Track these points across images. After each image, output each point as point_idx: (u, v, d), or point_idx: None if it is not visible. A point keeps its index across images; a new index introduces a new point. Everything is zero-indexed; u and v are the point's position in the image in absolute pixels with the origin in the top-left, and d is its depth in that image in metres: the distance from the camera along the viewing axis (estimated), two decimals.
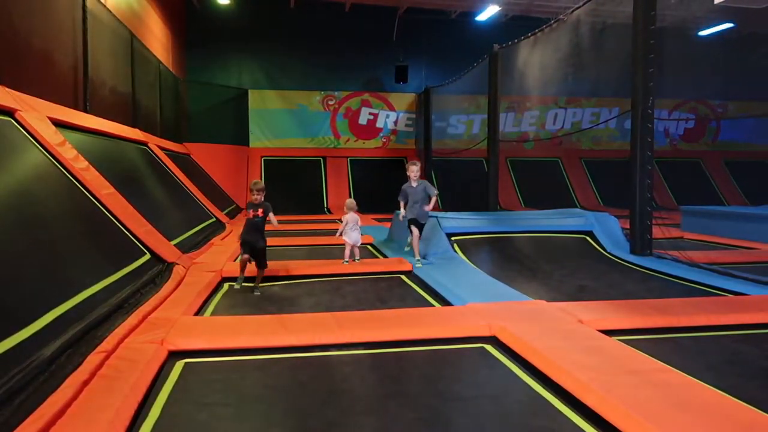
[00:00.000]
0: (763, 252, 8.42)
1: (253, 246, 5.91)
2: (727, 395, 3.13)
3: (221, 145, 16.71)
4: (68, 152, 6.02)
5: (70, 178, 5.76)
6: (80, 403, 2.90)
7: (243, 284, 6.05)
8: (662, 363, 3.59)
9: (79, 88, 7.99)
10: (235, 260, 6.98)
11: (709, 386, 3.24)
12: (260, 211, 5.95)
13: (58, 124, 6.46)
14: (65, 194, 5.47)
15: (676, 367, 3.53)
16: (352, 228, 7.30)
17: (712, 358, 3.99)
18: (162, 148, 11.51)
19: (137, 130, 10.28)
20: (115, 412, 2.78)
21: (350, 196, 17.38)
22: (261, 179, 18.51)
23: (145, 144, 10.35)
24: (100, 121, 8.21)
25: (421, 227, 7.44)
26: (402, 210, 7.63)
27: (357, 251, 7.38)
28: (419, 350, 4.12)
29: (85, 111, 8.00)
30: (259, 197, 5.95)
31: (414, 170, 7.48)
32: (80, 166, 6.05)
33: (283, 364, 3.85)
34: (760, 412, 2.89)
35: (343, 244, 7.40)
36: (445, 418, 3.05)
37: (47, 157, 5.60)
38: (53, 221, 4.88)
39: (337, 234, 7.38)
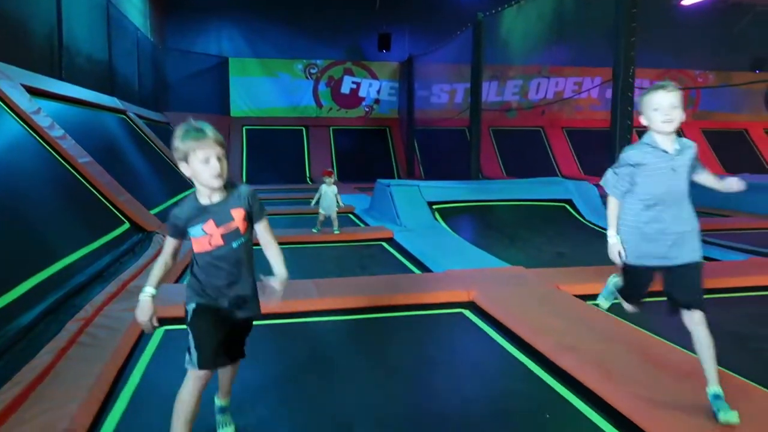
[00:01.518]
0: (735, 219, 8.60)
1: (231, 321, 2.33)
2: (694, 355, 3.23)
3: (202, 115, 16.37)
4: (44, 120, 5.92)
5: (46, 146, 5.67)
6: (60, 370, 2.92)
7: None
8: (634, 326, 3.69)
9: (54, 55, 7.80)
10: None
11: (678, 347, 3.34)
12: (234, 222, 2.24)
13: (33, 92, 6.32)
14: (41, 163, 5.40)
15: (647, 330, 3.63)
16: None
17: (681, 321, 4.10)
18: (141, 117, 11.33)
19: (115, 99, 10.09)
20: (95, 378, 2.80)
21: (332, 166, 17.33)
22: (243, 149, 18.44)
23: (123, 113, 10.18)
24: (77, 89, 8.04)
25: None
26: None
27: (335, 221, 7.15)
28: (399, 316, 4.18)
29: (61, 79, 7.83)
30: (216, 176, 2.17)
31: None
32: (56, 134, 5.96)
33: (263, 331, 3.88)
34: (726, 371, 3.00)
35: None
36: (424, 382, 3.12)
37: (22, 125, 5.50)
38: (29, 190, 4.82)
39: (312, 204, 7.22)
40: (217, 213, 2.20)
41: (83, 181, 5.95)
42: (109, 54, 10.43)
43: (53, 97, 6.98)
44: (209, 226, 2.19)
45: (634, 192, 2.67)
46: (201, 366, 2.14)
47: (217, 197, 2.21)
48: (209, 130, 2.13)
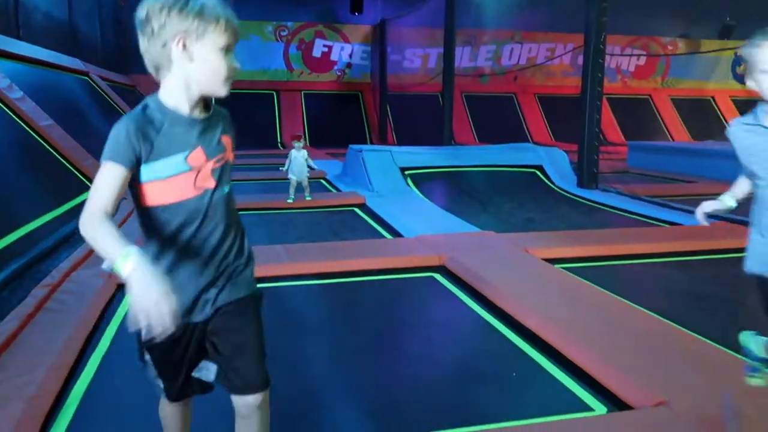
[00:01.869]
0: (700, 185, 8.81)
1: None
2: (656, 316, 3.35)
3: None
4: (1, 81, 5.69)
5: (4, 108, 5.47)
6: (26, 336, 2.88)
7: None
8: (600, 288, 3.79)
9: (10, 12, 7.45)
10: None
11: (640, 308, 3.45)
12: (226, 154, 1.50)
13: None
14: (0, 125, 5.21)
15: (612, 293, 3.73)
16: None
17: (645, 282, 4.24)
18: (104, 79, 10.97)
19: (76, 60, 9.73)
20: (63, 344, 2.78)
21: (304, 131, 17.11)
22: None
23: (85, 75, 9.84)
24: (35, 48, 7.72)
25: None
26: None
27: (307, 188, 6.99)
28: (370, 280, 4.22)
29: (18, 38, 7.50)
30: (229, 79, 1.45)
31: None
32: (15, 96, 5.74)
33: None
34: (682, 329, 3.12)
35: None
36: (395, 344, 3.17)
37: None
38: None
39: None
40: (206, 137, 1.43)
41: (45, 145, 5.77)
42: (69, 12, 10.01)
43: (10, 57, 6.70)
44: (196, 156, 1.40)
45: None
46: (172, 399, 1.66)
47: (198, 112, 1.43)
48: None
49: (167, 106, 1.40)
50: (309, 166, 6.95)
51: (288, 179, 7.00)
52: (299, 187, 7.02)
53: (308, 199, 7.01)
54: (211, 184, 1.43)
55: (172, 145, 1.38)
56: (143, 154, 1.35)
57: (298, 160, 6.92)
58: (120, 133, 1.34)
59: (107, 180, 1.33)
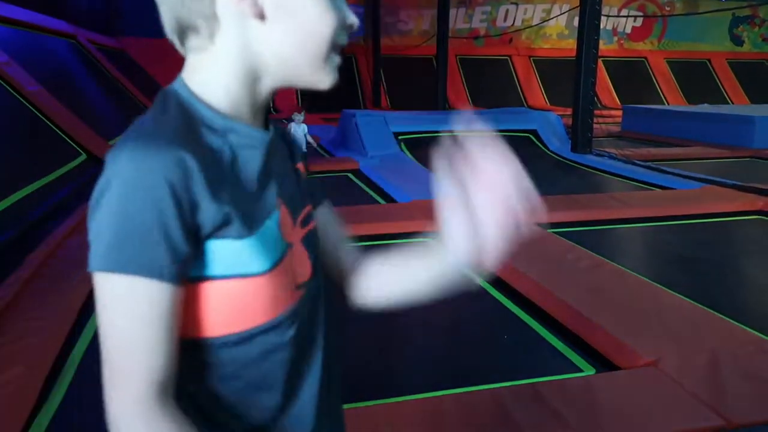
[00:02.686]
0: (694, 149, 8.82)
1: None
2: (645, 278, 3.40)
3: (159, 40, 15.48)
4: None
5: None
6: (23, 301, 2.89)
7: None
8: (590, 252, 3.83)
9: None
10: None
11: (630, 271, 3.50)
12: (307, 209, 0.77)
13: None
14: None
15: (604, 257, 3.78)
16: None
17: (636, 246, 4.29)
18: (93, 43, 10.74)
19: (63, 22, 9.51)
20: (60, 309, 2.80)
21: (296, 96, 16.91)
22: None
23: (73, 37, 9.63)
24: (18, 9, 7.53)
25: None
26: None
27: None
28: (364, 245, 4.23)
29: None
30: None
31: None
32: (1, 60, 5.63)
33: None
34: (671, 292, 3.17)
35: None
36: (387, 308, 3.21)
37: None
38: None
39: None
40: (284, 182, 0.72)
41: (34, 110, 5.69)
42: None
43: None
44: (284, 219, 0.69)
45: None
46: None
47: (260, 124, 0.72)
48: None
49: (222, 110, 0.66)
50: (308, 143, 6.68)
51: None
52: None
53: None
54: (307, 272, 0.76)
55: (255, 197, 0.66)
56: (206, 224, 0.60)
57: (298, 135, 6.38)
58: (144, 202, 0.57)
59: (147, 316, 0.60)
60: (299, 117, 6.50)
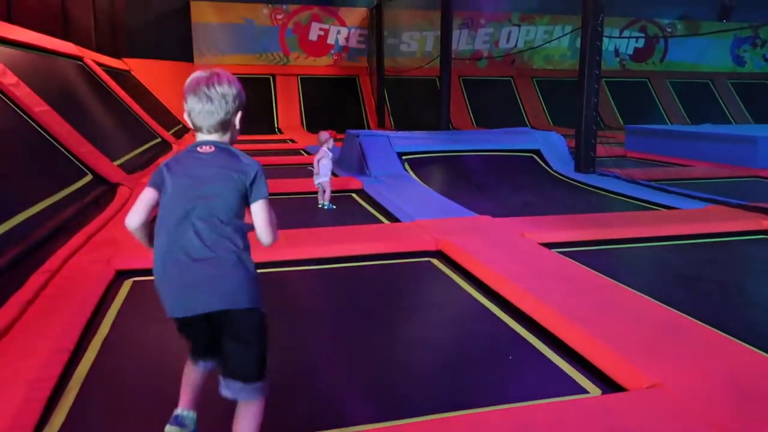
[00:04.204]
0: (697, 169, 8.83)
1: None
2: (651, 299, 3.38)
3: (164, 62, 15.88)
4: None
5: None
6: (25, 322, 2.89)
7: None
8: (595, 272, 3.82)
9: None
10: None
11: (635, 291, 3.48)
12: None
13: None
14: None
15: (608, 276, 3.76)
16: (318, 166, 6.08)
17: (641, 266, 4.27)
18: (99, 64, 10.88)
19: (70, 44, 9.64)
20: (63, 329, 2.79)
21: (301, 116, 17.02)
22: None
23: (80, 59, 9.76)
24: (28, 32, 7.65)
25: None
26: None
27: (328, 195, 6.12)
28: (368, 265, 4.23)
29: (10, 22, 7.43)
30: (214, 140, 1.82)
31: None
32: (9, 81, 5.69)
33: None
34: (677, 312, 3.15)
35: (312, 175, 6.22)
36: (392, 328, 3.20)
37: None
38: None
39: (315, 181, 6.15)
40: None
41: (41, 131, 5.74)
42: None
43: (3, 41, 6.64)
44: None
45: None
46: None
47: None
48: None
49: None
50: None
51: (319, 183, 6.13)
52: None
53: (327, 208, 6.10)
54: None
55: None
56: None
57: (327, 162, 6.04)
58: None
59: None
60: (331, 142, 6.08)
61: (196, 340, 1.86)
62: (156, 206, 1.75)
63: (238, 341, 1.73)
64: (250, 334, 1.74)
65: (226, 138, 1.80)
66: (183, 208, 1.68)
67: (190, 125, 1.78)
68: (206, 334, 1.80)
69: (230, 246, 1.69)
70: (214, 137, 1.78)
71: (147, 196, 1.75)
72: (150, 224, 1.79)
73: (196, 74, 1.75)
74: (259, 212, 1.75)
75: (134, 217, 1.75)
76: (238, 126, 1.81)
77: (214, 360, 1.87)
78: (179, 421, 1.91)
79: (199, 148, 1.75)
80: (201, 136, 1.79)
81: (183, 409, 1.94)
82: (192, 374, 1.95)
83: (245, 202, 1.75)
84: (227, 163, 1.73)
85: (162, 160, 6.44)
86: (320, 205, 6.14)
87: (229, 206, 1.70)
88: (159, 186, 1.74)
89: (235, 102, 1.76)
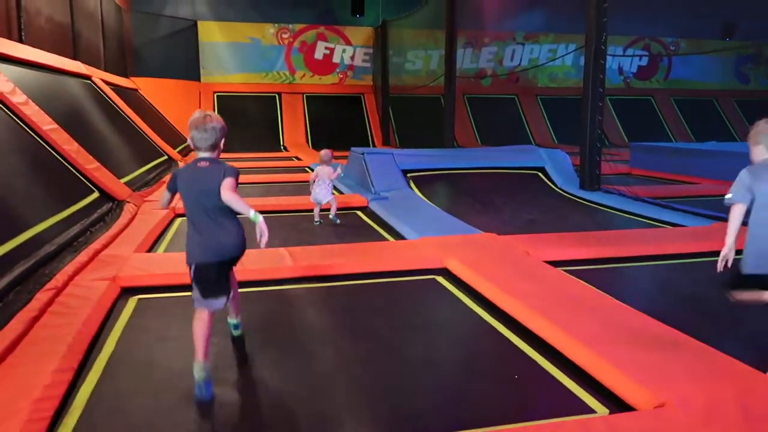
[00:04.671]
0: (703, 186, 8.81)
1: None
2: (658, 318, 3.35)
3: (171, 80, 16.06)
4: (5, 85, 5.72)
5: (8, 113, 5.50)
6: (31, 339, 2.89)
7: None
8: (600, 290, 3.80)
9: (12, 16, 7.49)
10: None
11: (643, 310, 3.46)
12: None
13: None
14: (4, 130, 5.23)
15: (613, 295, 3.74)
16: (319, 183, 6.10)
17: (646, 284, 4.25)
18: (107, 83, 11.01)
19: (79, 63, 9.77)
20: (68, 347, 2.79)
21: (306, 134, 17.12)
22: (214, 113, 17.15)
23: (88, 78, 9.88)
24: (38, 52, 7.76)
25: None
26: None
27: (334, 208, 6.19)
28: (373, 282, 4.23)
29: (20, 42, 7.54)
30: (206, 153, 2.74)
31: None
32: (18, 100, 5.77)
33: (241, 297, 3.89)
34: (681, 331, 3.12)
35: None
36: (398, 345, 3.18)
37: None
38: None
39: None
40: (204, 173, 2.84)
41: (49, 149, 5.80)
42: (71, 15, 10.04)
43: (13, 60, 6.74)
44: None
45: None
46: None
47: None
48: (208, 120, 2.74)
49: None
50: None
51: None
52: (325, 209, 6.33)
53: (336, 221, 6.22)
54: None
55: None
56: None
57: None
58: None
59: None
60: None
61: (218, 282, 2.67)
62: (172, 199, 2.82)
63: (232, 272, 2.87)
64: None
65: (214, 154, 2.73)
66: (196, 200, 2.65)
67: (192, 147, 2.72)
68: (225, 272, 2.72)
69: (230, 214, 2.69)
70: (207, 154, 2.70)
71: (166, 195, 2.81)
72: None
73: (196, 115, 2.69)
74: (228, 187, 2.59)
75: (162, 204, 2.88)
76: (221, 146, 2.75)
77: (222, 297, 2.67)
78: (203, 369, 2.54)
79: (198, 164, 2.69)
80: (200, 154, 2.71)
81: (204, 362, 2.54)
82: (201, 327, 2.60)
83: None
84: (215, 169, 2.65)
85: (168, 178, 6.56)
86: (316, 222, 6.21)
87: (216, 194, 2.59)
88: (172, 190, 2.76)
89: (220, 133, 2.70)
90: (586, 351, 2.81)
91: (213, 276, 2.64)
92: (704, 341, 2.99)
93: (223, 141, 2.73)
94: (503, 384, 2.72)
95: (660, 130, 18.96)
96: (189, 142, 2.74)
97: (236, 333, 3.15)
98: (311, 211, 6.75)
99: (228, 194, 2.57)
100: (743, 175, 2.88)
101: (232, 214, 2.68)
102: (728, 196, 2.96)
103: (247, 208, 2.58)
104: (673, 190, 8.55)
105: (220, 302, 2.66)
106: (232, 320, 3.15)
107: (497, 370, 2.86)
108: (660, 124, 19.35)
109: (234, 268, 2.88)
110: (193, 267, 2.63)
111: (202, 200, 2.62)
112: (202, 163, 2.67)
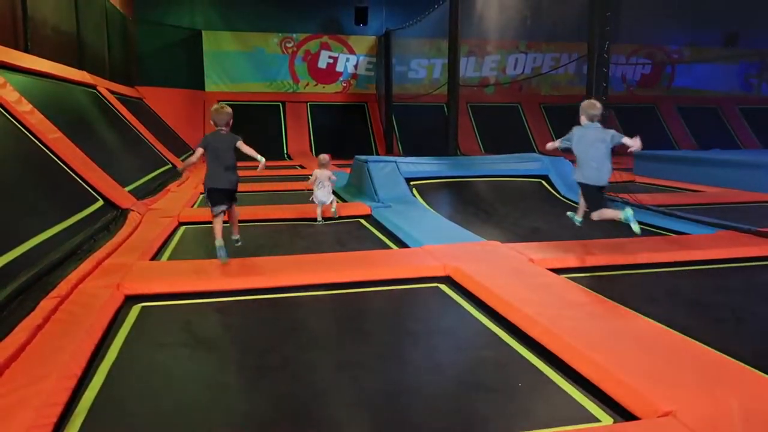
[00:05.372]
0: (707, 194, 8.79)
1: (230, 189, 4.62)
2: (660, 324, 3.34)
3: (175, 89, 16.15)
4: (10, 95, 5.76)
5: (14, 122, 5.53)
6: (35, 347, 2.90)
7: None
8: (604, 297, 3.79)
9: (18, 26, 7.55)
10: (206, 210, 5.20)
11: (644, 317, 3.45)
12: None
13: None
14: (9, 139, 5.27)
15: (617, 302, 3.73)
16: (319, 186, 6.57)
17: (651, 292, 4.23)
18: (112, 92, 11.08)
19: (84, 73, 9.84)
20: (71, 354, 2.80)
21: (310, 142, 17.16)
22: None
23: (93, 87, 9.94)
24: (44, 62, 7.82)
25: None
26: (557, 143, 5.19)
27: (334, 204, 6.77)
28: (376, 290, 4.22)
29: (26, 51, 7.60)
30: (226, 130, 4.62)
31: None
32: (24, 109, 5.81)
33: (242, 306, 3.90)
34: (687, 337, 3.11)
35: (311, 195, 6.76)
36: (401, 354, 3.18)
37: None
38: None
39: (310, 199, 6.76)
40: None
41: (54, 157, 5.83)
42: (76, 25, 10.12)
43: (19, 70, 6.79)
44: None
45: None
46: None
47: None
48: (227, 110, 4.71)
49: None
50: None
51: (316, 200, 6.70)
52: (325, 209, 6.77)
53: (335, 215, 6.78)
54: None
55: None
56: None
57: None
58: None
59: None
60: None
61: (221, 198, 4.55)
62: (203, 155, 4.57)
63: (234, 198, 4.68)
64: (235, 194, 4.67)
65: (227, 129, 4.58)
66: (216, 153, 4.50)
67: (213, 125, 4.56)
68: (225, 195, 4.56)
69: (234, 166, 4.56)
70: (223, 128, 4.56)
71: (197, 152, 4.56)
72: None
73: (215, 106, 4.65)
74: (242, 144, 4.56)
75: (193, 159, 4.63)
76: (230, 124, 4.61)
77: (221, 206, 4.55)
78: (221, 241, 4.52)
79: (219, 132, 4.55)
80: (218, 128, 4.54)
81: (220, 238, 4.53)
82: (217, 223, 4.56)
83: (235, 148, 4.57)
84: (230, 137, 4.55)
85: (172, 186, 7.10)
86: (318, 221, 6.66)
87: (231, 151, 4.53)
88: (203, 146, 4.53)
89: (229, 117, 4.60)
90: (591, 359, 2.80)
91: (216, 195, 4.56)
92: (710, 348, 2.98)
93: (231, 122, 4.64)
94: (506, 392, 2.70)
95: (664, 137, 18.93)
96: (211, 122, 4.57)
97: (237, 244, 4.90)
98: (315, 219, 6.77)
99: (245, 148, 4.57)
100: (574, 130, 4.95)
101: (233, 167, 4.57)
102: (560, 144, 5.10)
103: (257, 155, 4.64)
104: (676, 198, 8.53)
105: (221, 208, 4.57)
106: (235, 236, 4.89)
107: (500, 379, 2.85)
108: (664, 131, 19.33)
109: (234, 206, 4.76)
110: (206, 190, 4.59)
111: (219, 154, 4.49)
112: (222, 132, 4.56)
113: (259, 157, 4.63)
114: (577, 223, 5.23)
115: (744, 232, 5.70)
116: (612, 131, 4.83)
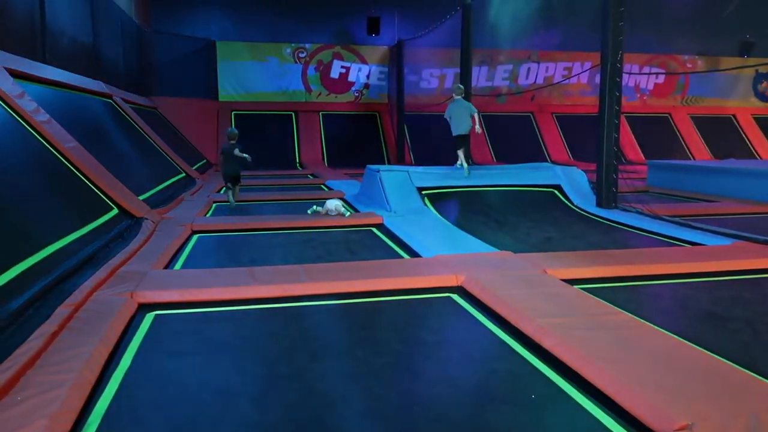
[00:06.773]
0: (722, 204, 8.70)
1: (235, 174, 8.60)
2: (674, 336, 3.30)
3: (190, 99, 16.32)
4: (28, 105, 5.85)
5: (31, 131, 5.62)
6: (50, 354, 2.93)
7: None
8: (618, 308, 3.75)
9: (36, 37, 7.69)
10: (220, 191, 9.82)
11: (658, 329, 3.41)
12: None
13: (16, 75, 6.24)
14: (26, 148, 5.35)
15: (631, 313, 3.69)
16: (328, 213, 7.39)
17: (665, 303, 4.19)
18: (127, 102, 11.22)
19: (100, 83, 9.98)
20: (85, 362, 2.82)
21: (322, 151, 17.24)
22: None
23: (109, 97, 10.08)
24: (61, 72, 7.94)
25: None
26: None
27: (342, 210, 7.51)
28: (388, 300, 4.22)
29: (44, 62, 7.72)
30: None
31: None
32: (41, 119, 5.90)
33: (254, 316, 3.91)
34: (705, 351, 3.07)
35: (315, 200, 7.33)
36: (412, 363, 3.16)
37: (6, 109, 5.44)
38: (15, 176, 4.78)
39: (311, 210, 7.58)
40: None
41: (70, 166, 5.90)
42: (93, 36, 10.28)
43: (37, 80, 6.90)
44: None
45: None
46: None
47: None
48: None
49: None
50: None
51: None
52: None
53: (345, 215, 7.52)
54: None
55: None
56: None
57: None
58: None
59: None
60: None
61: (230, 179, 8.50)
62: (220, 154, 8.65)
63: (238, 181, 8.68)
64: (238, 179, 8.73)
65: (233, 141, 8.54)
66: (226, 155, 8.55)
67: (227, 140, 8.58)
68: (231, 178, 8.52)
69: (236, 162, 8.47)
70: (233, 141, 8.50)
71: (221, 156, 8.84)
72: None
73: (229, 130, 8.84)
74: (237, 151, 8.45)
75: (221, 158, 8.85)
76: (236, 139, 8.64)
77: (231, 183, 8.53)
78: (231, 200, 8.54)
79: (229, 143, 8.52)
80: (228, 141, 8.55)
81: (232, 201, 8.47)
82: (229, 193, 8.53)
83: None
84: (233, 146, 8.46)
85: (185, 195, 6.91)
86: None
87: (232, 152, 8.45)
88: (221, 152, 8.81)
89: (236, 135, 8.69)
90: (605, 371, 2.77)
91: (226, 178, 8.49)
92: (727, 360, 2.94)
93: (236, 137, 8.45)
94: (519, 404, 2.68)
95: (678, 147, 18.79)
96: (226, 137, 8.45)
97: (233, 206, 8.22)
98: (326, 228, 6.80)
99: (239, 153, 8.22)
100: (449, 104, 8.40)
101: (237, 162, 8.27)
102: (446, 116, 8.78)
103: (245, 155, 8.31)
104: (691, 209, 8.44)
105: (229, 185, 8.41)
106: (234, 202, 8.29)
107: (513, 390, 2.83)
108: (678, 141, 19.19)
109: (237, 186, 8.57)
110: (222, 175, 8.55)
111: (227, 156, 8.35)
112: (231, 143, 8.25)
113: (246, 155, 8.35)
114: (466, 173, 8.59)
115: (761, 243, 5.63)
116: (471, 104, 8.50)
